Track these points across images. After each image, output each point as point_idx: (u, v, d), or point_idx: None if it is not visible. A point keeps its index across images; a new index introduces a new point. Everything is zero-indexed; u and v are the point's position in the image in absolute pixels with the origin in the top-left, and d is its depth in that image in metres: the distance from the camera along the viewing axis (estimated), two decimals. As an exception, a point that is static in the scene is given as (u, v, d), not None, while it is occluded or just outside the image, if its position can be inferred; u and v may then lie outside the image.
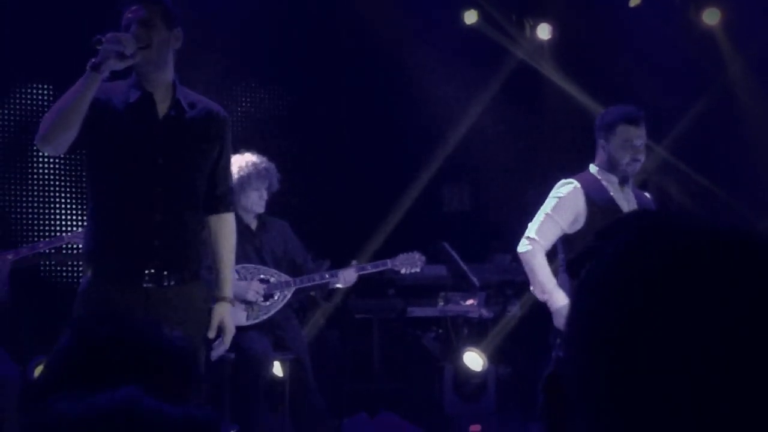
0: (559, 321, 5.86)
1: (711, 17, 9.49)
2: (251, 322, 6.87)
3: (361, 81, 9.47)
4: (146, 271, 4.71)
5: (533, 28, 10.01)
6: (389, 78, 9.50)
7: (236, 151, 7.11)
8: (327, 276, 7.01)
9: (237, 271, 6.84)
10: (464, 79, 9.78)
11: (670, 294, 1.02)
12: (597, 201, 6.00)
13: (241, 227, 6.94)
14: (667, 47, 9.48)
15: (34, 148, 4.93)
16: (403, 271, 7.25)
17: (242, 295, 6.81)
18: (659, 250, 1.06)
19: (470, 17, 9.90)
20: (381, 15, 9.35)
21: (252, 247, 6.99)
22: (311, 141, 9.45)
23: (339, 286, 7.09)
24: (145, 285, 4.70)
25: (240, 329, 6.79)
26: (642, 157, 5.96)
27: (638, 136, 5.93)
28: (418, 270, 7.31)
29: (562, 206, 6.12)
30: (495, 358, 8.82)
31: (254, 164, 6.95)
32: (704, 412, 0.99)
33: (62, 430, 1.05)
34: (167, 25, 4.73)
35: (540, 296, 6.09)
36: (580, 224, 6.03)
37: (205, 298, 4.94)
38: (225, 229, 5.02)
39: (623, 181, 6.01)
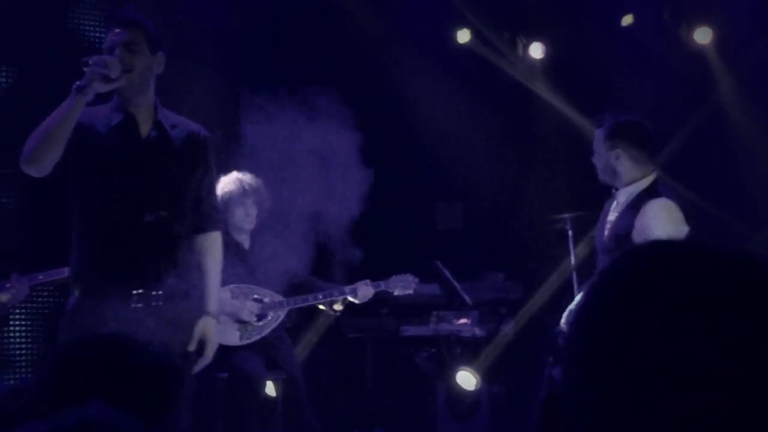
0: None
1: (703, 36, 9.51)
2: (244, 341, 6.87)
3: (352, 100, 9.45)
4: (134, 291, 4.73)
5: (526, 47, 10.03)
6: (381, 96, 9.51)
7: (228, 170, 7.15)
8: (347, 290, 7.02)
9: (230, 290, 6.85)
10: (457, 98, 9.79)
11: (672, 319, 1.01)
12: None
13: (234, 246, 6.94)
14: (659, 66, 9.50)
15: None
16: (396, 292, 7.24)
17: (236, 315, 6.81)
18: (660, 274, 1.06)
19: (463, 36, 9.92)
20: (373, 33, 9.37)
21: (245, 266, 6.99)
22: (302, 159, 9.44)
23: (354, 301, 7.08)
24: (133, 305, 4.72)
25: (233, 349, 6.80)
26: (594, 163, 5.90)
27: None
28: (411, 292, 7.31)
29: None
30: (488, 376, 8.81)
31: (238, 180, 6.97)
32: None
33: None
34: (150, 49, 4.82)
35: None
36: None
37: (193, 317, 4.95)
38: (211, 247, 5.07)
39: (615, 193, 5.89)
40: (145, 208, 4.78)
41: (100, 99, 4.79)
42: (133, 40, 4.75)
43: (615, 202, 5.86)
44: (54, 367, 1.94)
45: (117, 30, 4.77)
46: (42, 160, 4.62)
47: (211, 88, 8.55)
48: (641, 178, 5.76)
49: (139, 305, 4.74)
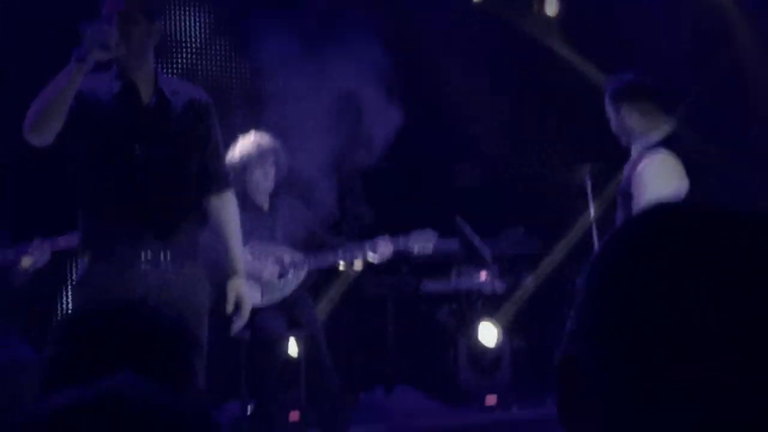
0: None
1: (719, -13, 9.47)
2: (266, 302, 6.90)
3: (369, 60, 9.44)
4: (142, 254, 4.78)
5: (541, 3, 9.98)
6: (398, 56, 9.49)
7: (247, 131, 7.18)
8: (366, 248, 7.04)
9: (251, 251, 6.88)
10: (474, 56, 9.76)
11: (683, 280, 1.01)
12: None
13: (254, 207, 6.98)
14: (675, 18, 9.45)
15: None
16: (416, 249, 7.23)
17: (256, 275, 6.85)
18: (673, 234, 1.05)
19: (478, -6, 9.87)
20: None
21: (265, 226, 7.01)
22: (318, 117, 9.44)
23: (373, 258, 7.09)
24: (141, 268, 4.78)
25: (254, 309, 6.83)
26: (612, 126, 6.01)
27: None
28: (431, 248, 7.30)
29: None
30: (509, 331, 8.83)
31: (256, 143, 6.99)
32: (722, 398, 0.98)
33: (48, 424, 1.08)
34: (148, 18, 4.83)
35: None
36: None
37: (203, 278, 5.02)
38: (226, 207, 5.12)
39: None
40: (149, 173, 4.82)
41: (100, 67, 4.82)
42: (129, 8, 4.76)
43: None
44: (68, 336, 1.96)
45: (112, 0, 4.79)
46: (44, 130, 4.67)
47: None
48: (652, 131, 5.82)
49: (149, 268, 4.80)
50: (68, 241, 6.32)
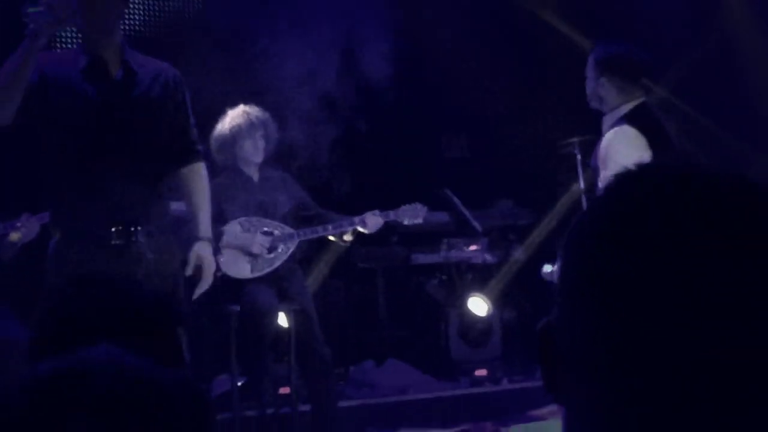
0: None
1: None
2: (256, 274, 6.89)
3: (357, 30, 9.40)
4: (113, 229, 4.76)
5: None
6: (386, 26, 9.45)
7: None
8: (356, 221, 7.02)
9: (240, 224, 6.87)
10: (462, 26, 9.72)
11: (663, 245, 1.01)
12: None
13: (243, 179, 6.96)
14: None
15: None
16: (405, 222, 7.24)
17: (247, 248, 6.83)
18: (650, 202, 1.05)
19: (467, -39, 9.83)
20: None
21: (255, 199, 6.99)
22: (305, 90, 9.42)
23: (363, 231, 7.08)
24: (112, 242, 4.75)
25: (244, 282, 6.83)
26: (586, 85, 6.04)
27: None
28: (420, 221, 7.30)
29: None
30: (499, 302, 8.85)
31: (245, 113, 6.98)
32: (700, 366, 0.99)
33: (38, 391, 1.06)
34: None
35: None
36: None
37: (176, 250, 5.00)
38: (194, 178, 5.10)
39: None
40: (118, 146, 4.79)
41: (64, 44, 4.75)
42: None
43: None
44: (50, 313, 1.95)
45: None
46: (1, 109, 4.64)
47: None
48: (622, 105, 5.86)
49: (119, 242, 4.77)
50: (41, 219, 6.28)
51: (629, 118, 5.80)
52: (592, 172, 5.94)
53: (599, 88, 5.89)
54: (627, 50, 6.01)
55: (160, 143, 4.94)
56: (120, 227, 4.78)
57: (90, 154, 4.76)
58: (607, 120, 5.90)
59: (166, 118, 4.96)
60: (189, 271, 4.96)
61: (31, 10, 4.48)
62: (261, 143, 6.98)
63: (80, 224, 4.77)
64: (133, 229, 4.80)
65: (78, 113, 4.77)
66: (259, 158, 7.01)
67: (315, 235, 7.09)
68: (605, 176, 5.56)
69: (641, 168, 1.12)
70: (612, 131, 5.76)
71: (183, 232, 5.26)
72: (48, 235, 6.44)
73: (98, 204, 4.76)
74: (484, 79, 9.77)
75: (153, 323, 1.88)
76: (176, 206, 5.43)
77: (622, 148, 5.65)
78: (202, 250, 5.01)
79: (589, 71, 5.97)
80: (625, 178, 1.11)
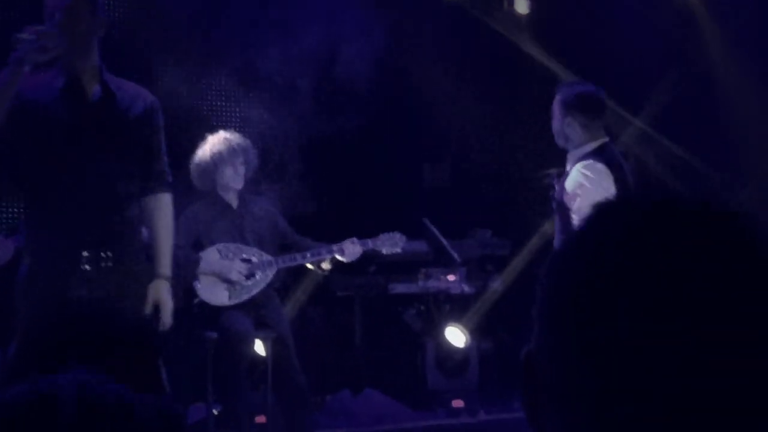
0: None
1: (689, -11, 9.50)
2: (233, 301, 6.87)
3: (338, 59, 9.42)
4: (83, 253, 4.73)
5: (511, 2, 9.99)
6: (368, 54, 9.47)
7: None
8: (334, 249, 7.02)
9: (219, 250, 6.86)
10: (443, 55, 9.75)
11: (639, 270, 1.01)
12: None
13: (222, 205, 6.95)
14: (645, 20, 9.47)
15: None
16: (384, 251, 7.25)
17: (225, 275, 6.82)
18: (627, 225, 1.05)
19: (448, -8, 9.87)
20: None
21: (234, 225, 6.99)
22: (289, 117, 9.42)
23: (341, 259, 7.08)
24: (82, 266, 4.72)
25: (222, 309, 6.81)
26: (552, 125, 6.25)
27: None
28: (399, 250, 7.32)
29: None
30: (477, 333, 8.84)
31: (226, 140, 6.98)
32: (683, 397, 0.98)
33: (4, 418, 1.04)
34: (92, 11, 4.77)
35: None
36: None
37: (147, 276, 4.96)
38: (159, 208, 5.06)
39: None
40: (91, 170, 4.76)
41: (43, 64, 4.74)
42: (73, 4, 4.70)
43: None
44: (26, 338, 1.94)
45: None
46: None
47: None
48: (587, 143, 6.07)
49: (88, 267, 4.74)
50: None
51: (596, 155, 6.01)
52: (557, 205, 6.05)
53: (565, 128, 6.10)
54: (590, 90, 6.25)
55: (133, 168, 4.91)
56: (90, 252, 4.76)
57: (61, 176, 4.74)
58: (571, 157, 6.12)
59: (140, 144, 4.94)
60: (147, 310, 4.86)
61: (20, 36, 4.48)
62: (241, 170, 6.98)
63: (50, 248, 4.74)
64: (103, 254, 4.77)
65: (51, 134, 4.75)
66: (239, 185, 7.01)
67: (293, 263, 7.09)
68: (579, 207, 5.75)
69: (618, 200, 1.13)
70: (581, 165, 5.95)
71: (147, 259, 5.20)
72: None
73: (69, 228, 4.73)
74: (466, 109, 9.79)
75: (133, 350, 1.87)
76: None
77: (594, 182, 5.88)
78: (158, 288, 4.94)
79: (555, 111, 6.17)
80: (602, 210, 1.11)
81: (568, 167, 6.10)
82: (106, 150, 4.81)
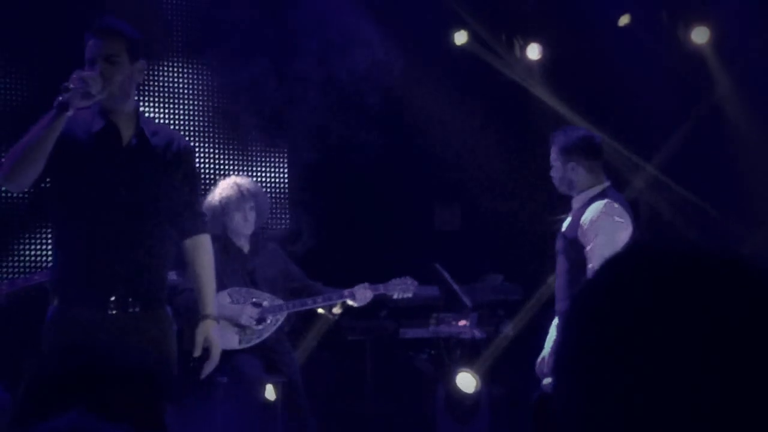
0: None
1: (700, 36, 9.51)
2: (244, 345, 6.87)
3: (349, 101, 9.44)
4: (111, 298, 4.74)
5: (523, 48, 10.02)
6: (379, 99, 9.50)
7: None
8: (345, 294, 7.02)
9: (229, 295, 6.85)
10: (455, 100, 9.77)
11: (657, 321, 1.01)
12: None
13: (234, 250, 6.96)
14: (656, 66, 9.50)
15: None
16: (395, 296, 7.25)
17: (235, 319, 6.82)
18: (646, 277, 1.06)
19: (460, 38, 9.91)
20: (371, 36, 9.35)
21: (244, 270, 7.00)
22: (299, 160, 9.44)
23: (352, 304, 7.09)
24: (110, 312, 4.72)
25: (232, 353, 6.79)
26: (552, 173, 6.30)
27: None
28: (410, 295, 7.32)
29: None
30: (488, 378, 8.80)
31: (236, 185, 7.00)
32: None
33: None
34: (131, 58, 4.80)
35: None
36: None
37: (171, 321, 4.97)
38: (199, 250, 5.08)
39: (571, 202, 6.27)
40: (123, 215, 4.77)
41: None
42: (113, 52, 4.74)
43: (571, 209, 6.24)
44: (34, 378, 1.94)
45: (99, 41, 4.76)
46: (22, 178, 4.65)
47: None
48: (593, 186, 6.14)
49: (117, 311, 4.74)
50: (26, 281, 6.24)
51: (606, 196, 6.06)
52: (567, 244, 6.06)
53: (569, 173, 6.16)
54: (589, 134, 6.36)
55: (166, 214, 4.92)
56: (118, 296, 4.76)
57: (94, 220, 4.75)
58: (578, 201, 6.16)
59: (173, 189, 4.94)
60: (197, 353, 4.94)
61: (67, 85, 4.51)
62: (251, 215, 7.00)
63: (79, 291, 4.75)
64: (131, 299, 4.78)
65: (86, 178, 4.76)
66: (248, 230, 7.02)
67: (304, 307, 7.08)
68: (597, 245, 5.79)
69: (635, 248, 1.12)
70: (600, 204, 5.99)
71: (176, 301, 5.24)
72: (32, 299, 6.39)
73: (98, 272, 4.73)
74: (477, 153, 9.80)
75: (135, 392, 1.87)
76: (170, 276, 5.41)
77: (614, 221, 5.94)
78: (207, 329, 5.00)
79: (556, 159, 6.23)
80: (619, 258, 1.11)
81: (575, 209, 6.15)
82: (139, 195, 4.82)
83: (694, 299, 1.02)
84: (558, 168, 6.20)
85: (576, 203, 6.16)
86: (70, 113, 4.56)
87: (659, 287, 1.04)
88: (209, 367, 5.05)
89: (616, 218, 5.94)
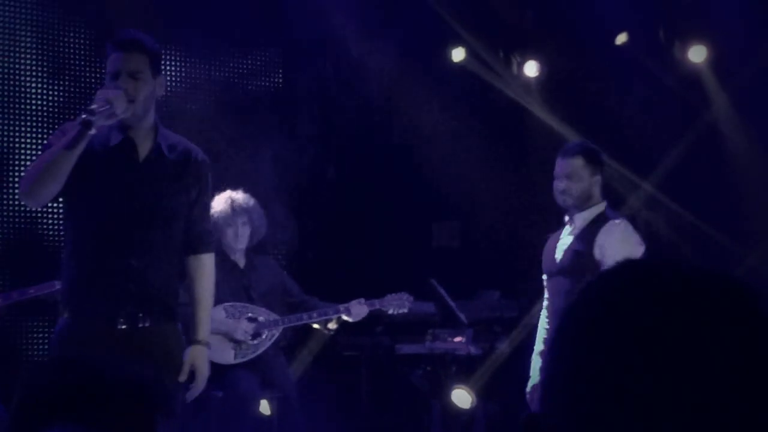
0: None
1: (697, 55, 9.52)
2: (239, 360, 6.86)
3: (347, 118, 9.46)
4: (121, 313, 4.71)
5: (521, 65, 10.04)
6: (376, 116, 9.52)
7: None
8: (341, 309, 7.02)
9: (225, 309, 6.85)
10: (452, 116, 9.79)
11: (651, 342, 1.01)
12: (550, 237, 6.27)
13: (229, 265, 6.95)
14: (653, 84, 9.51)
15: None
16: (391, 311, 7.25)
17: (231, 334, 6.81)
18: (636, 299, 1.06)
19: (458, 55, 9.93)
20: (368, 52, 9.37)
21: (240, 285, 6.99)
22: (295, 178, 9.45)
23: (348, 319, 7.09)
24: (119, 327, 4.71)
25: (227, 367, 6.79)
26: (563, 188, 6.04)
27: (563, 167, 6.06)
28: (405, 311, 7.32)
29: None
30: (483, 395, 8.79)
31: (229, 199, 6.99)
32: None
33: None
34: (153, 73, 4.79)
35: None
36: None
37: (180, 338, 4.94)
38: (202, 269, 5.03)
39: (571, 218, 6.11)
40: (137, 231, 4.76)
41: None
42: (136, 67, 4.73)
43: (570, 227, 6.11)
44: (28, 389, 1.94)
45: (122, 55, 4.74)
46: (43, 194, 4.63)
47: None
48: (601, 202, 6.08)
49: (126, 326, 4.73)
50: (21, 295, 6.24)
51: (616, 213, 6.06)
52: (573, 260, 5.97)
53: (593, 187, 6.02)
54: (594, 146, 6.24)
55: (178, 230, 4.91)
56: (127, 313, 4.74)
57: (106, 235, 4.73)
58: (584, 216, 6.03)
59: (186, 204, 4.93)
60: (182, 378, 4.86)
61: (93, 108, 4.49)
62: (243, 230, 6.98)
63: (88, 306, 4.73)
64: (141, 314, 4.76)
65: (100, 192, 4.76)
66: (241, 245, 7.01)
67: (299, 323, 7.08)
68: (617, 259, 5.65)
69: (628, 264, 1.13)
70: (617, 224, 5.94)
71: (188, 315, 5.19)
72: (26, 312, 6.38)
73: (109, 286, 4.72)
74: (474, 169, 9.81)
75: (125, 406, 1.87)
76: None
77: (629, 240, 5.87)
78: (196, 355, 4.92)
79: (581, 170, 6.01)
80: (610, 275, 1.11)
81: (578, 225, 6.03)
82: (153, 210, 4.80)
83: (688, 315, 1.03)
84: (583, 179, 6.01)
85: (578, 220, 6.05)
86: (93, 132, 4.54)
87: (652, 303, 1.04)
88: (193, 393, 4.97)
89: (632, 238, 5.92)
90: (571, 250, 6.01)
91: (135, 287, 4.74)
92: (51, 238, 7.88)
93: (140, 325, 4.75)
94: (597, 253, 5.85)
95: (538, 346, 6.21)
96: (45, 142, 4.75)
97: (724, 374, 1.01)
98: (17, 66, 7.89)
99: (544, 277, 6.27)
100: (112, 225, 4.74)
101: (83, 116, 4.51)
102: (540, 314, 6.37)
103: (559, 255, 6.08)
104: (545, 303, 6.26)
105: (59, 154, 4.54)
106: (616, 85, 9.48)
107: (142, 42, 4.79)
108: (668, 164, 9.41)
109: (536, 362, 6.17)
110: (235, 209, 6.94)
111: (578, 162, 6.02)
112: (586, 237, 5.95)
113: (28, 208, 7.34)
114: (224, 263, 6.96)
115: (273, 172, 8.83)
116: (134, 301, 4.74)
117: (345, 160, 9.66)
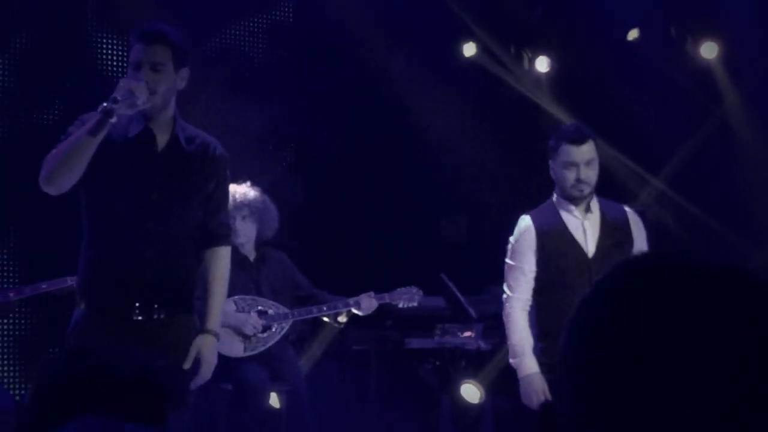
0: (525, 390, 5.73)
1: (709, 51, 9.51)
2: (249, 353, 6.86)
3: (358, 113, 9.46)
4: (136, 304, 4.73)
5: (532, 60, 10.03)
6: (387, 110, 9.52)
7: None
8: (351, 302, 7.01)
9: (235, 302, 6.85)
10: (462, 111, 9.79)
11: (665, 337, 1.01)
12: (548, 230, 5.81)
13: (239, 258, 6.95)
14: (664, 81, 9.50)
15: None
16: (400, 305, 7.24)
17: (240, 327, 6.81)
18: (653, 291, 1.05)
19: (469, 50, 9.92)
20: (380, 47, 9.37)
21: (250, 278, 6.99)
22: (305, 172, 9.45)
23: (358, 313, 7.09)
24: (135, 318, 4.71)
25: (237, 360, 6.80)
26: (586, 177, 5.59)
27: (581, 154, 5.58)
28: (415, 304, 7.31)
29: (517, 249, 5.91)
30: (493, 390, 8.78)
31: (233, 194, 6.96)
32: None
33: None
34: (176, 66, 4.78)
35: (511, 360, 5.90)
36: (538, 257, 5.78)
37: (195, 330, 4.94)
38: (218, 262, 5.02)
39: (587, 208, 5.71)
40: (153, 222, 4.77)
41: None
42: (158, 59, 4.74)
43: (588, 213, 5.73)
44: (42, 380, 1.95)
45: (146, 47, 4.75)
46: (62, 181, 4.63)
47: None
48: None
49: (141, 318, 4.74)
50: (33, 290, 6.25)
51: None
52: (614, 245, 5.61)
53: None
54: None
55: (195, 222, 4.91)
56: (143, 304, 4.75)
57: (123, 226, 4.74)
58: (595, 202, 5.72)
59: (203, 195, 4.93)
60: (187, 365, 4.83)
61: (115, 96, 4.50)
62: (242, 224, 6.93)
63: (104, 296, 4.74)
64: (156, 306, 4.77)
65: (117, 182, 4.76)
66: (242, 239, 6.95)
67: (309, 316, 7.08)
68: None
69: (647, 255, 1.12)
70: (635, 211, 5.80)
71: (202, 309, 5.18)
72: (42, 306, 6.39)
73: (125, 277, 4.73)
74: (484, 164, 9.81)
75: (139, 396, 1.88)
76: None
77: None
78: (203, 344, 4.90)
79: (595, 158, 5.64)
80: (624, 268, 1.11)
81: (593, 210, 5.71)
82: (170, 201, 4.81)
83: (704, 308, 1.03)
84: (596, 164, 5.62)
85: (596, 205, 5.70)
86: (113, 120, 4.55)
87: (669, 295, 1.04)
88: (197, 381, 4.93)
89: None
90: (610, 220, 5.69)
91: (151, 278, 4.74)
92: (64, 234, 7.88)
93: (155, 317, 4.76)
94: (633, 229, 5.68)
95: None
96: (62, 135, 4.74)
97: (742, 370, 1.01)
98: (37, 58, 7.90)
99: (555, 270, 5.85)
100: (129, 215, 4.74)
101: (105, 104, 4.52)
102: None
103: (591, 248, 5.68)
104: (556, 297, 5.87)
105: (80, 141, 4.55)
106: (627, 81, 9.47)
107: (165, 34, 4.79)
108: (679, 160, 9.40)
109: None
110: (237, 202, 6.91)
111: (593, 147, 5.63)
112: (619, 221, 5.69)
113: (39, 205, 7.34)
114: (235, 256, 6.94)
115: (282, 173, 8.84)
116: (150, 292, 4.75)
117: (354, 155, 9.65)
